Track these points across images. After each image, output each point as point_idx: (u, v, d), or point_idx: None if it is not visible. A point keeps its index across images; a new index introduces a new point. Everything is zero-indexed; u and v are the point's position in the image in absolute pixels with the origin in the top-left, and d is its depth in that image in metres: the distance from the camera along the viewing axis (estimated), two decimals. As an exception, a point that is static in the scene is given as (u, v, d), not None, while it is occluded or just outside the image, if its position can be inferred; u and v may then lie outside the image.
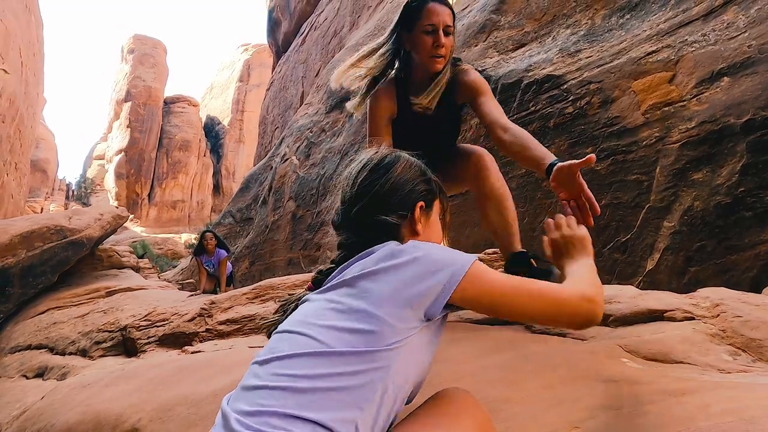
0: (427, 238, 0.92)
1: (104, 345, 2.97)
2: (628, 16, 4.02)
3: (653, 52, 3.56)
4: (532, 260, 1.57)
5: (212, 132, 50.79)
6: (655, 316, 1.03)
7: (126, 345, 2.66)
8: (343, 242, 0.95)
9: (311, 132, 9.45)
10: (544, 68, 4.32)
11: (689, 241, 3.00)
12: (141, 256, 14.92)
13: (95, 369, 2.45)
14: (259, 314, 2.19)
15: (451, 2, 1.77)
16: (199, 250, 5.96)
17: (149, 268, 11.60)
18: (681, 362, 0.81)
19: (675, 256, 3.07)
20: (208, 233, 6.01)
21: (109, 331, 3.10)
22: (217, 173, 49.18)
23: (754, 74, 2.90)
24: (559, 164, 1.20)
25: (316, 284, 0.92)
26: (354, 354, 0.70)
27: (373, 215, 0.92)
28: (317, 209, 8.34)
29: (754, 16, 3.03)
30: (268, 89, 20.50)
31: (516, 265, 1.59)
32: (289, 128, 10.99)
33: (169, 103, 48.57)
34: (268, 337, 0.93)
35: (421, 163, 1.01)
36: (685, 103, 3.21)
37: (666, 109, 3.32)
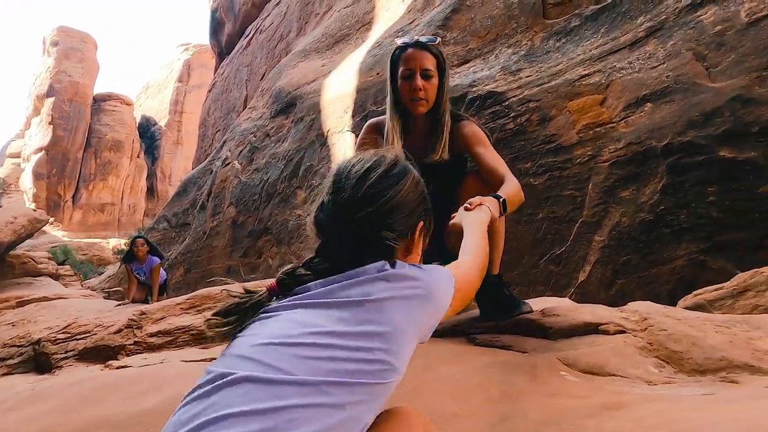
0: (416, 257, 0.90)
1: (10, 362, 2.67)
2: (564, 40, 4.26)
3: (586, 75, 3.78)
4: (505, 288, 1.60)
5: (147, 133, 48.33)
6: (591, 329, 1.08)
7: (38, 360, 2.42)
8: (329, 250, 0.84)
9: (255, 136, 9.23)
10: (487, 84, 4.48)
11: (617, 255, 3.19)
12: (62, 263, 13.87)
13: (-2, 389, 2.22)
14: (194, 325, 2.08)
15: (432, 44, 1.79)
16: (128, 256, 5.62)
17: (71, 276, 10.79)
18: (614, 375, 0.85)
19: (604, 269, 3.26)
20: (138, 239, 5.68)
21: (18, 346, 2.79)
22: (151, 176, 46.76)
23: (671, 102, 3.15)
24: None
25: (282, 287, 0.83)
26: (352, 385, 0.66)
27: (375, 229, 0.82)
28: (259, 215, 8.13)
29: (670, 49, 3.29)
30: (209, 91, 19.84)
31: (489, 286, 1.58)
32: (232, 132, 10.68)
33: (99, 100, 45.71)
34: (220, 341, 0.83)
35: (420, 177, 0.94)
36: (614, 124, 3.43)
37: (598, 129, 3.53)
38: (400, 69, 1.74)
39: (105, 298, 8.21)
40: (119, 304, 5.39)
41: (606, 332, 1.04)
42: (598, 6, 3.97)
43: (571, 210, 3.61)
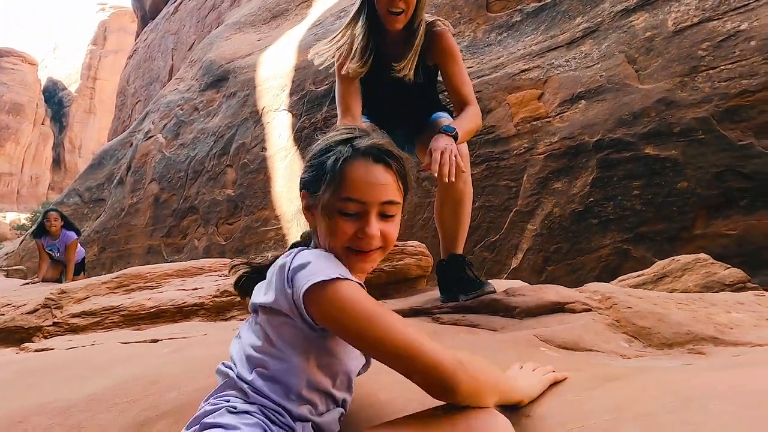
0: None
1: None
2: (505, 34, 4.38)
3: (526, 69, 3.92)
4: (467, 268, 1.61)
5: (55, 98, 43.91)
6: (557, 308, 1.13)
7: (-67, 344, 2.14)
8: None
9: (182, 110, 8.69)
10: (430, 72, 4.51)
11: (548, 243, 3.37)
12: (-49, 237, 12.40)
13: None
14: (123, 305, 1.92)
15: None
16: (39, 231, 5.07)
17: (-37, 252, 9.64)
18: (590, 350, 0.90)
19: (536, 256, 3.43)
20: (52, 212, 5.13)
21: None
22: (58, 145, 42.65)
23: (604, 101, 3.35)
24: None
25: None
26: None
27: None
28: (185, 193, 7.69)
29: (604, 51, 3.49)
30: (129, 57, 18.39)
31: (452, 264, 1.63)
32: (155, 103, 9.98)
33: (-4, 56, 40.83)
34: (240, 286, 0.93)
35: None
36: (550, 119, 3.60)
37: (535, 123, 3.68)
38: None
39: (4, 276, 7.43)
40: (27, 283, 4.88)
41: (573, 311, 1.09)
42: (539, 3, 4.11)
43: (507, 199, 3.76)
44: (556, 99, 3.63)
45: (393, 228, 0.84)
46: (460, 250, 1.64)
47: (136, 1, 18.69)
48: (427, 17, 1.71)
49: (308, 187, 0.86)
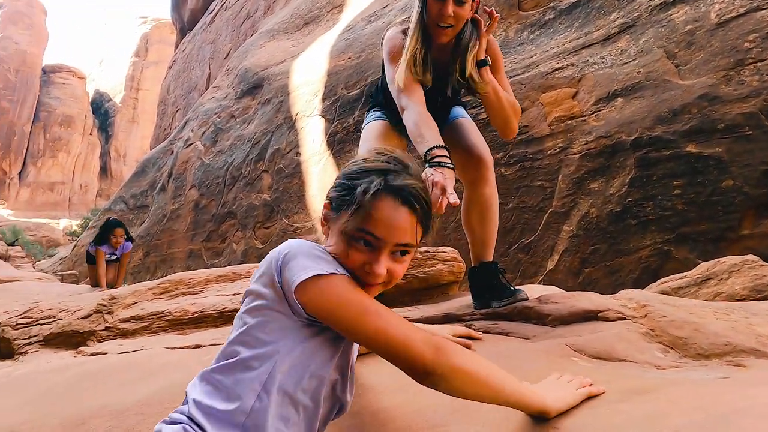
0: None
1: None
2: (537, 33, 4.31)
3: (559, 68, 3.85)
4: (500, 275, 1.60)
5: (101, 109, 46.05)
6: (590, 316, 1.11)
7: (-3, 346, 2.30)
8: None
9: (219, 117, 8.95)
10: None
11: (585, 245, 3.30)
12: (11, 243, 13.15)
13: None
14: (169, 311, 2.01)
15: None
16: (101, 240, 5.35)
17: (22, 257, 10.24)
18: (624, 360, 0.88)
19: (572, 258, 3.36)
20: (119, 228, 5.43)
21: (-27, 331, 2.63)
22: (105, 154, 44.70)
23: (641, 98, 3.25)
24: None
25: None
26: None
27: None
28: (223, 199, 7.93)
29: (642, 46, 3.39)
30: (169, 68, 19.07)
31: (483, 272, 1.62)
32: (194, 111, 10.32)
33: (48, 72, 43.12)
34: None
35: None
36: (585, 118, 3.52)
37: (569, 122, 3.61)
38: None
39: (60, 280, 7.84)
40: (95, 289, 5.17)
41: (606, 319, 1.07)
42: (572, 0, 4.03)
43: (541, 200, 3.70)
44: (591, 97, 3.55)
45: (401, 268, 0.87)
46: (490, 257, 1.64)
47: (176, 12, 19.37)
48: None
49: (333, 202, 0.90)
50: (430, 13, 1.58)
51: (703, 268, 2.25)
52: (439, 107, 1.80)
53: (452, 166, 1.30)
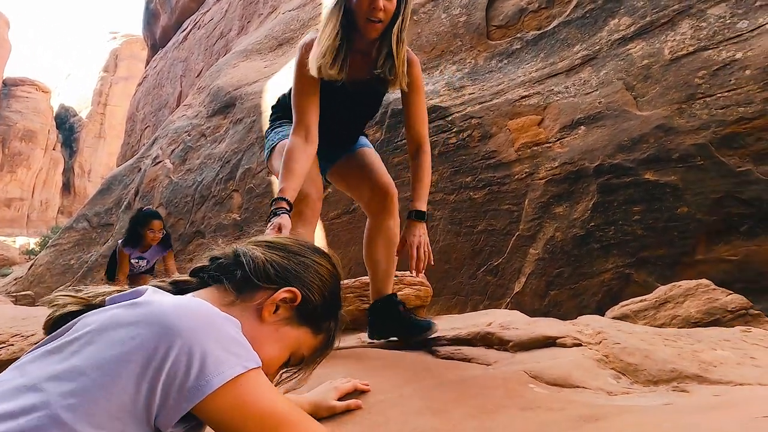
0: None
1: None
2: (506, 61, 4.47)
3: (526, 96, 3.99)
4: (401, 307, 1.59)
5: (66, 124, 44.77)
6: (550, 342, 1.15)
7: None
8: None
9: (189, 135, 8.84)
10: (431, 99, 4.59)
11: (550, 267, 3.37)
12: (-39, 262, 12.51)
13: None
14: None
15: None
16: (133, 240, 4.06)
17: (-28, 277, 9.72)
18: (578, 386, 0.91)
19: (538, 281, 3.43)
20: (157, 221, 4.08)
21: None
22: (68, 170, 43.28)
23: (603, 126, 3.39)
24: (404, 231, 1.54)
25: None
26: None
27: None
28: (191, 218, 7.78)
29: (603, 78, 3.56)
30: (140, 84, 18.79)
31: (387, 306, 1.61)
32: (164, 129, 10.17)
33: (10, 85, 41.78)
34: None
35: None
36: (550, 144, 3.64)
37: (535, 148, 3.73)
38: None
39: (13, 302, 7.47)
40: None
41: (564, 345, 1.11)
42: (538, 32, 4.20)
43: (509, 224, 3.78)
44: (556, 125, 3.69)
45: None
46: (390, 290, 1.65)
47: (147, 29, 19.20)
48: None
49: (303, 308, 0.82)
50: (360, 6, 1.52)
51: (660, 291, 2.34)
52: (353, 117, 1.78)
53: (289, 213, 1.41)
